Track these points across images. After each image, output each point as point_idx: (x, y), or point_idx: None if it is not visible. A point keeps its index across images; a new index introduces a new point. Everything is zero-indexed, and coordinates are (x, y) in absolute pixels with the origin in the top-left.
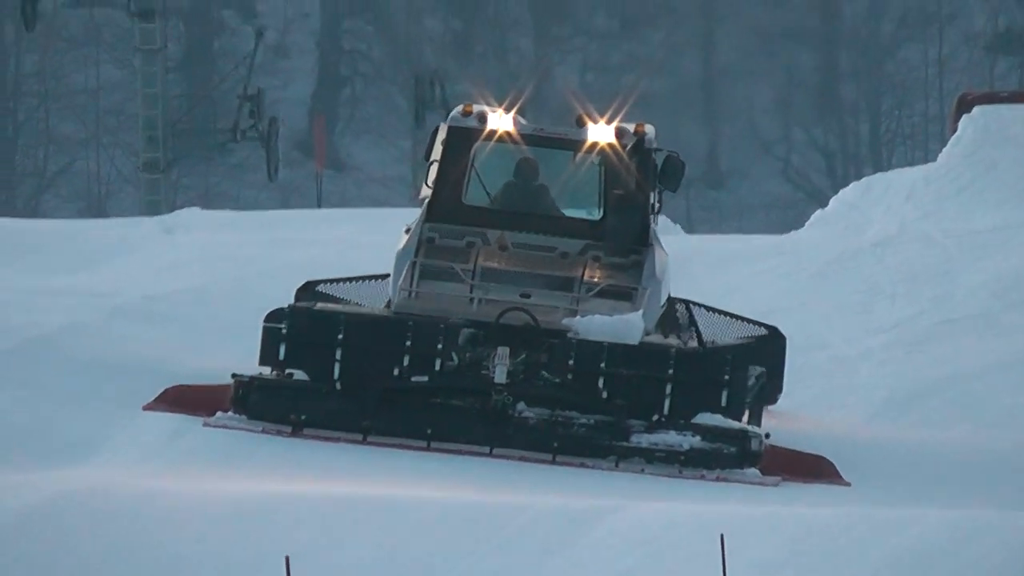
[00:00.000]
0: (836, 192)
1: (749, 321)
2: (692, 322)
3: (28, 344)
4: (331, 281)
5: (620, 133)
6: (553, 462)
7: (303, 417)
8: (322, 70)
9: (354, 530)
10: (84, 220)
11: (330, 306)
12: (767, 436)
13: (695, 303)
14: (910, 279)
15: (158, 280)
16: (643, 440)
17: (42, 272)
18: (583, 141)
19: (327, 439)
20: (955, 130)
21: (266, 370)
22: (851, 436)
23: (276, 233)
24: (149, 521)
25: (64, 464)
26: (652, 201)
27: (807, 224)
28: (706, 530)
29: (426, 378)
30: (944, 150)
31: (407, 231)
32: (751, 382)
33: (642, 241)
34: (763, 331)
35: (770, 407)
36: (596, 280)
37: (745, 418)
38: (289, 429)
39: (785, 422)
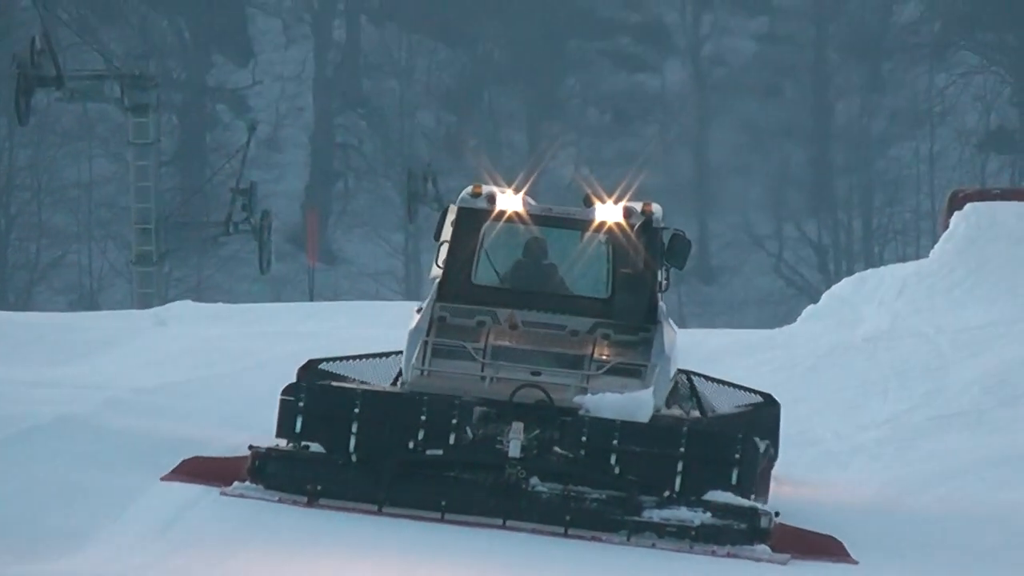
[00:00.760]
0: (828, 287)
1: (745, 389)
2: (693, 392)
3: (21, 435)
4: (333, 359)
5: (628, 212)
6: (565, 535)
7: (319, 487)
8: (315, 164)
9: None
10: (76, 313)
11: (342, 384)
12: (777, 514)
13: (695, 373)
14: (902, 374)
15: (150, 372)
16: (655, 515)
17: (35, 364)
18: (592, 220)
19: (342, 509)
20: (947, 226)
21: (282, 442)
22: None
23: (268, 326)
24: None
25: (56, 555)
26: (660, 279)
27: (799, 319)
28: None
29: (441, 452)
30: (936, 246)
31: (418, 311)
32: (760, 457)
33: (650, 319)
34: (758, 399)
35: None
36: (606, 358)
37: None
38: (305, 499)
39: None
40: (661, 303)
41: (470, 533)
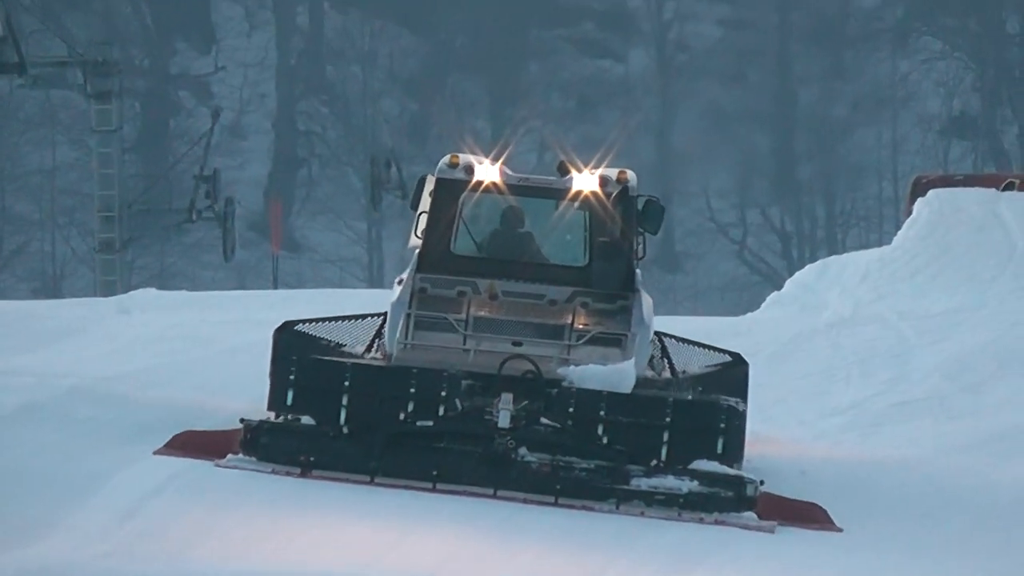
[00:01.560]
0: (792, 274)
1: (714, 349)
2: (664, 352)
3: None
4: (309, 321)
5: (604, 181)
6: (555, 504)
7: (312, 459)
8: (278, 151)
9: None
10: (39, 301)
11: (332, 357)
12: (762, 482)
13: (665, 334)
14: (865, 361)
15: (114, 360)
16: (643, 484)
17: None
18: (568, 190)
19: (335, 480)
20: (910, 213)
21: (271, 415)
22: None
23: (232, 313)
24: None
25: (21, 544)
26: (636, 247)
27: (763, 306)
28: None
29: (431, 423)
30: (899, 232)
31: (399, 282)
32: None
33: (628, 286)
34: (727, 358)
35: None
36: (586, 327)
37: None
38: (298, 471)
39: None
40: (638, 271)
41: (461, 501)
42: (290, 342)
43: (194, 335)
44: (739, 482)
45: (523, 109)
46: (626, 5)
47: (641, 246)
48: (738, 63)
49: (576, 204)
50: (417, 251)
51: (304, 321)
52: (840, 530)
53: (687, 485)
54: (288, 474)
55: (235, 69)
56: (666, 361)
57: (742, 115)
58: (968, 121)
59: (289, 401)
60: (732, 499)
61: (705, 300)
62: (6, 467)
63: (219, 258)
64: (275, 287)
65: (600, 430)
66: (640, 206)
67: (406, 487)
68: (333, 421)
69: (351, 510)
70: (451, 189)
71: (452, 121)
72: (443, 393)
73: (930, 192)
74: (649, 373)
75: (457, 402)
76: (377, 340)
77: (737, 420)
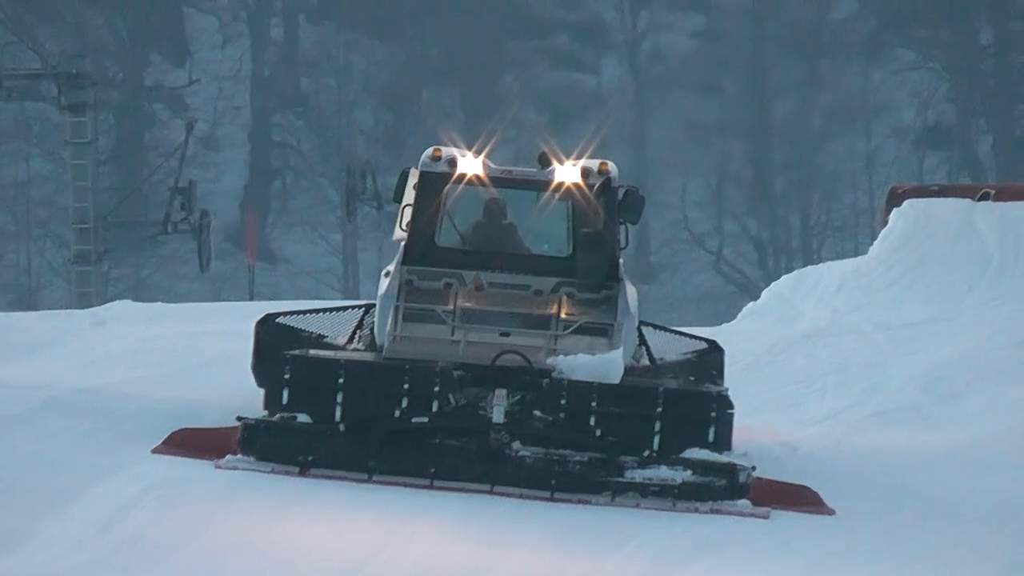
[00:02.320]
0: (768, 284)
1: (690, 336)
2: (642, 340)
3: None
4: (290, 313)
5: (586, 172)
6: (551, 499)
7: (310, 458)
8: (253, 163)
9: None
10: (14, 313)
11: (326, 353)
12: (753, 468)
13: (644, 322)
14: (841, 371)
15: (89, 372)
16: (637, 475)
17: None
18: (551, 181)
19: (333, 478)
20: (885, 223)
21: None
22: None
23: (208, 325)
24: None
25: None
26: (619, 237)
27: (738, 316)
28: None
29: (426, 419)
30: (875, 243)
31: (386, 274)
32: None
33: (612, 276)
34: (704, 345)
35: None
36: (572, 317)
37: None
38: (297, 470)
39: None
40: (621, 260)
41: (457, 497)
42: (272, 334)
43: (170, 347)
44: (732, 470)
45: (497, 119)
46: (600, 17)
47: (624, 236)
48: (713, 74)
49: (559, 195)
50: (403, 243)
51: (285, 313)
52: (833, 512)
53: (681, 475)
54: (287, 473)
55: (209, 81)
56: (644, 349)
57: (717, 125)
58: (943, 131)
59: (284, 400)
60: (726, 487)
61: (681, 311)
62: None
63: (195, 270)
64: (251, 298)
65: (592, 422)
66: (620, 196)
67: (404, 484)
68: (329, 419)
69: (340, 514)
70: (434, 182)
71: (428, 131)
72: (436, 388)
73: (905, 202)
74: (628, 362)
75: (450, 397)
76: (358, 331)
77: (727, 408)
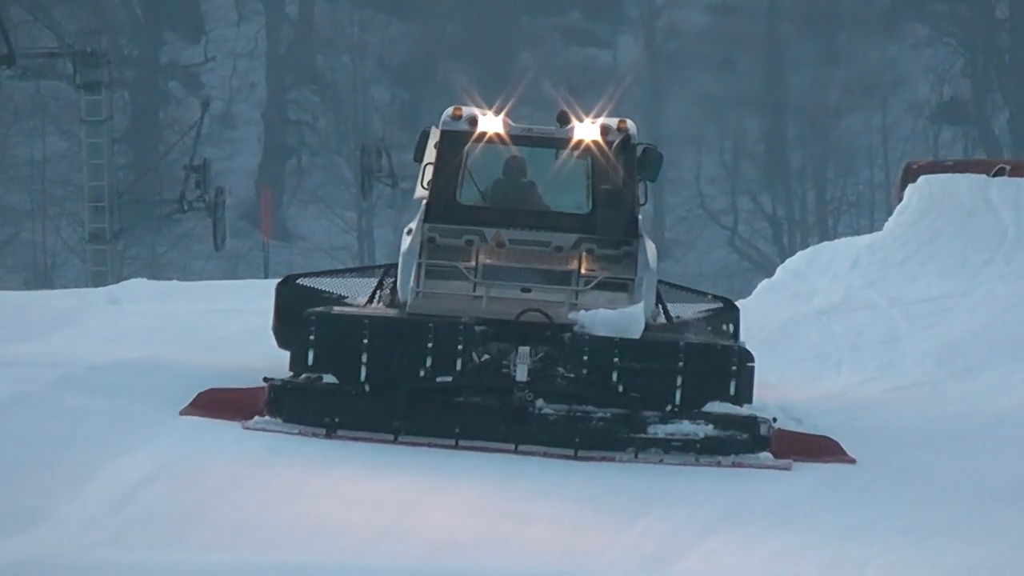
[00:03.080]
0: (783, 260)
1: (706, 295)
2: (659, 299)
3: None
4: (311, 275)
5: (605, 130)
6: (575, 457)
7: (336, 419)
8: (268, 140)
9: None
10: (30, 291)
11: (350, 310)
12: (774, 421)
13: (660, 281)
14: (856, 347)
15: (104, 350)
16: (659, 431)
17: None
18: (570, 139)
19: (359, 440)
20: (900, 198)
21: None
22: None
23: (223, 303)
24: None
25: (12, 533)
26: (637, 194)
27: (753, 293)
28: None
29: (450, 378)
30: (890, 218)
31: (408, 232)
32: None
33: (632, 233)
34: (719, 304)
35: None
36: (593, 272)
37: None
38: (324, 432)
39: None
40: (640, 217)
41: (476, 468)
42: (293, 295)
43: (185, 324)
44: (753, 423)
45: (516, 80)
46: None
47: (643, 193)
48: (728, 49)
49: (578, 153)
50: (424, 201)
51: (306, 274)
52: (853, 461)
53: (703, 430)
54: (314, 435)
55: (224, 59)
56: (660, 306)
57: (732, 101)
58: (958, 106)
59: (310, 361)
60: (747, 441)
61: (696, 287)
62: None
63: (210, 248)
64: (266, 276)
65: (615, 377)
66: (639, 153)
67: (430, 445)
68: (354, 378)
69: (356, 489)
70: (455, 140)
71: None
72: (460, 347)
73: (920, 178)
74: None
75: (474, 355)
76: (378, 291)
77: (748, 361)
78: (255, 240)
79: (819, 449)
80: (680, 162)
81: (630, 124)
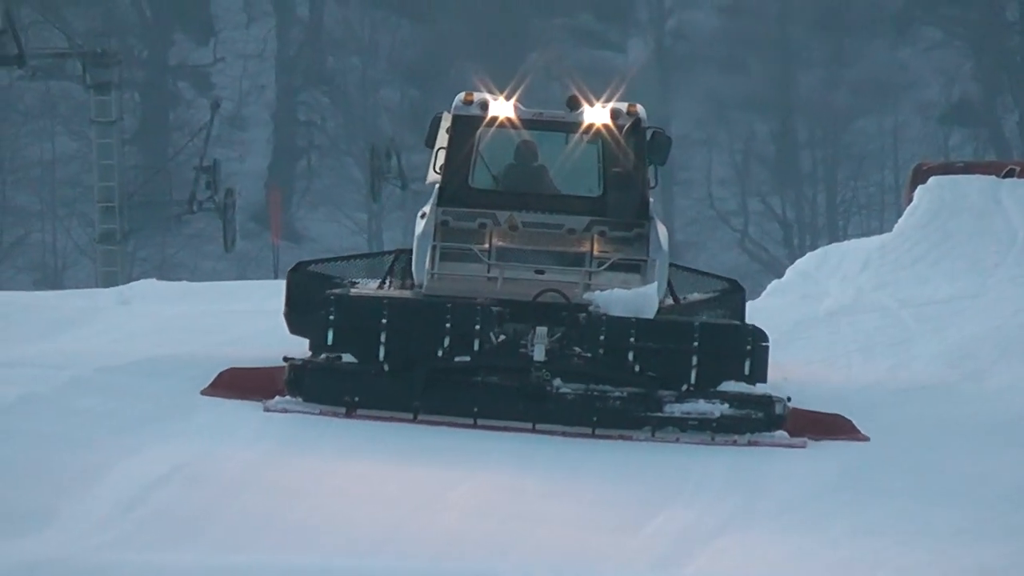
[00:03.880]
0: (793, 262)
1: (712, 276)
2: (667, 281)
3: None
4: (321, 261)
5: (615, 114)
6: (593, 436)
7: (356, 399)
8: (278, 142)
9: None
10: (40, 292)
11: (367, 292)
12: (789, 400)
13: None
14: (866, 349)
15: (114, 351)
16: (676, 410)
17: None
18: (581, 123)
19: (379, 419)
20: (911, 200)
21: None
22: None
23: (233, 304)
24: None
25: (20, 534)
26: (647, 177)
27: (763, 294)
28: None
29: (468, 358)
30: (900, 220)
31: (422, 216)
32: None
33: (643, 215)
34: (725, 284)
35: None
36: (605, 254)
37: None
38: (344, 411)
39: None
40: (651, 200)
41: (492, 460)
42: (304, 282)
43: (195, 325)
44: (768, 402)
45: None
46: None
47: (653, 176)
48: (738, 50)
49: (589, 136)
50: (437, 186)
51: (317, 261)
52: (867, 439)
53: (719, 409)
54: (335, 414)
55: (234, 60)
56: (668, 288)
57: (743, 103)
58: (968, 108)
59: (329, 341)
60: (763, 419)
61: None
62: (6, 458)
63: (220, 249)
64: (276, 277)
65: (631, 357)
66: (648, 137)
67: (449, 424)
68: (373, 358)
69: (366, 486)
70: (467, 125)
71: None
72: (477, 327)
73: (931, 179)
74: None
75: (491, 335)
76: (389, 276)
77: (762, 341)
78: (265, 241)
79: (833, 428)
80: (690, 164)
81: (640, 108)
